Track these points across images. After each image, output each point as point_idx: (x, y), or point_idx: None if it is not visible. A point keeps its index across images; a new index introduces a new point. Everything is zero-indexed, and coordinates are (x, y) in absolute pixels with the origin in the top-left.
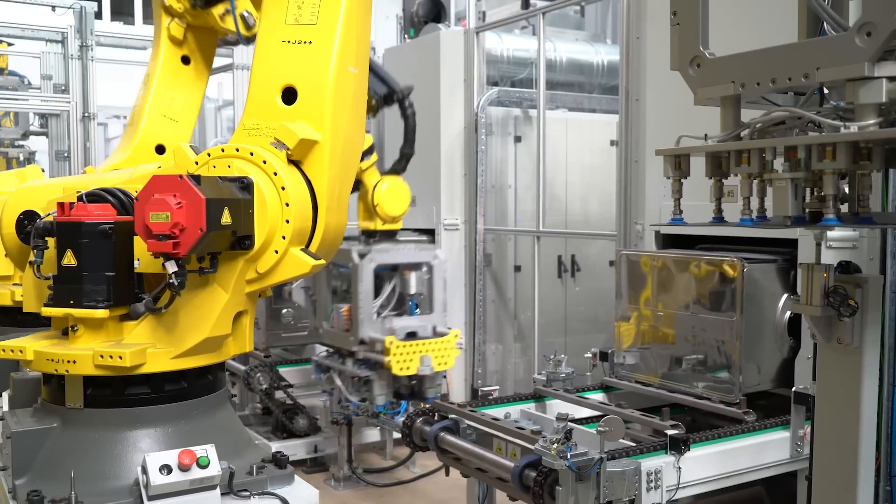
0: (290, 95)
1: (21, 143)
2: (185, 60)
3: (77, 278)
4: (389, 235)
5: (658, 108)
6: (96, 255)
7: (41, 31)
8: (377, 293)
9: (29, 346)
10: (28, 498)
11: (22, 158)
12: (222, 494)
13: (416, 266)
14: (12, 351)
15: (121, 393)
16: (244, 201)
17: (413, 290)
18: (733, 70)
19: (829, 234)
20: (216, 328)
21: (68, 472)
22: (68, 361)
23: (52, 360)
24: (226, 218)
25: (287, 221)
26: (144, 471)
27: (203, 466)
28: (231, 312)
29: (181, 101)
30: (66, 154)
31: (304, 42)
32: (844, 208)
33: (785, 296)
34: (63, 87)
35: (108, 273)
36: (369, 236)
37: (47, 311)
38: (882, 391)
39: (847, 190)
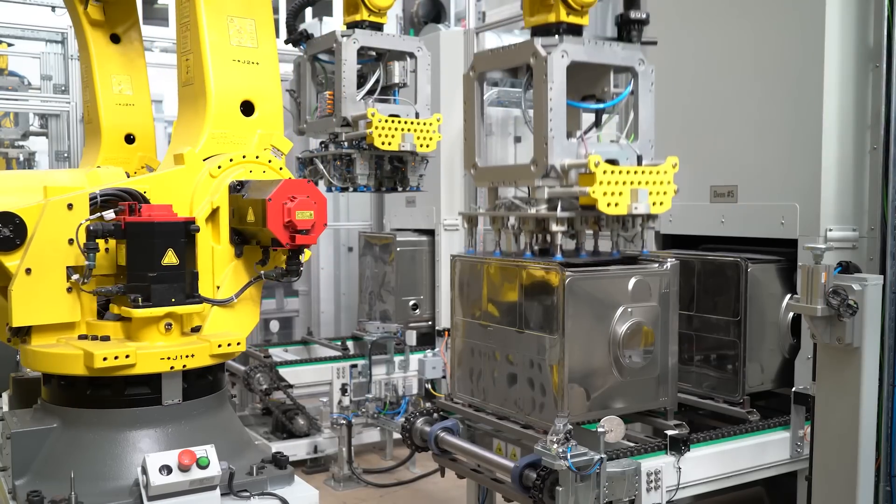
0: (248, 108)
1: (21, 143)
2: (115, 39)
3: (178, 276)
4: (375, 28)
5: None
6: (189, 254)
7: (41, 31)
8: (360, 84)
9: (135, 350)
10: (28, 498)
11: (22, 159)
12: (222, 495)
13: (399, 55)
14: (116, 358)
15: (121, 393)
16: None
17: (396, 79)
18: (490, 174)
19: (830, 234)
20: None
21: (68, 472)
22: (186, 357)
23: (167, 358)
24: None
25: None
26: (144, 471)
27: (203, 467)
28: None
29: (127, 82)
30: (65, 154)
31: (253, 62)
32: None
33: (788, 296)
34: (63, 88)
35: (194, 270)
36: (353, 27)
37: (143, 313)
38: (882, 391)
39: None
